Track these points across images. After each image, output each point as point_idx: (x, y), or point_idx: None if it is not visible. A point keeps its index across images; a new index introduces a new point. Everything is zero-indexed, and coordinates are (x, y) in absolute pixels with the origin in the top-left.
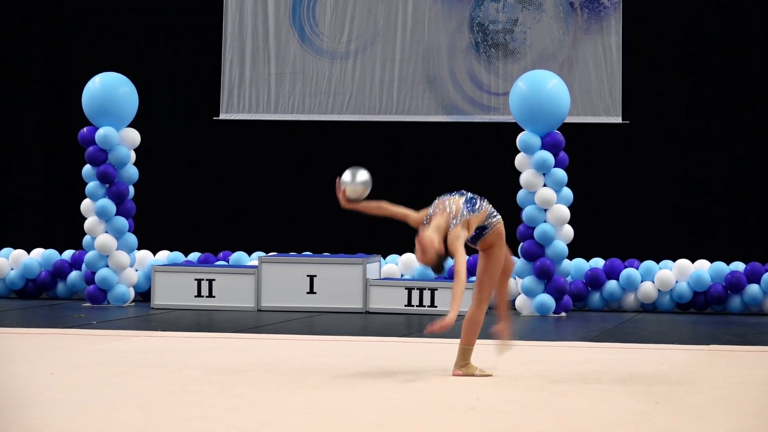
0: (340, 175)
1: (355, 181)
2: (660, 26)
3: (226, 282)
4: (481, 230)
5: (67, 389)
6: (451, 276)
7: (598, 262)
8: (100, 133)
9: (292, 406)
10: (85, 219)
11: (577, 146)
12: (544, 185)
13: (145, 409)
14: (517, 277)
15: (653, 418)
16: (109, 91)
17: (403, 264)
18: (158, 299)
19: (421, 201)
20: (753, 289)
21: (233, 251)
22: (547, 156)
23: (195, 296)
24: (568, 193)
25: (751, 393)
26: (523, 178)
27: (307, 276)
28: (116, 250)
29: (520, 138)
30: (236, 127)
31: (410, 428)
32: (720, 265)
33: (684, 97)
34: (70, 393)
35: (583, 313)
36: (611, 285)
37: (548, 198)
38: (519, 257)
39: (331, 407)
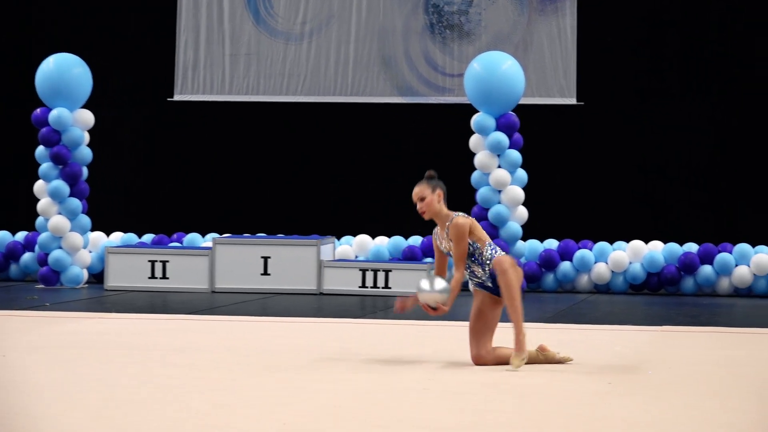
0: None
1: (434, 290)
2: (614, 7)
3: (180, 263)
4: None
5: (21, 371)
6: (406, 258)
7: (552, 244)
8: (54, 114)
9: (247, 388)
10: (38, 200)
11: (531, 127)
12: (499, 166)
13: (101, 392)
14: None
15: (607, 398)
16: (63, 72)
17: (357, 245)
18: (112, 281)
19: (374, 182)
20: (706, 270)
21: (187, 233)
22: (502, 137)
23: (149, 278)
24: (522, 174)
25: (704, 373)
26: (478, 160)
27: (262, 257)
28: (69, 231)
29: (475, 119)
30: (191, 108)
31: (366, 410)
32: (673, 246)
33: (638, 78)
34: (23, 375)
35: (537, 294)
36: (565, 266)
37: (502, 179)
38: None
39: (287, 389)
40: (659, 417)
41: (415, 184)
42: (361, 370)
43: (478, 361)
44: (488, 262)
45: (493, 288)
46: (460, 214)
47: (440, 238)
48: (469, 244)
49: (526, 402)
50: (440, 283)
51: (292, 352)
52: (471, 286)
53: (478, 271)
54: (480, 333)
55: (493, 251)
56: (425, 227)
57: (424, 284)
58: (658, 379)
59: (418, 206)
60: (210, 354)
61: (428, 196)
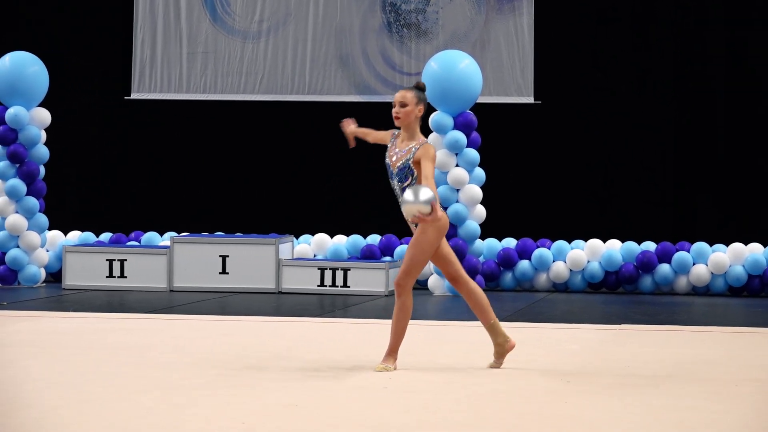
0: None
1: (418, 200)
2: (571, 7)
3: (138, 262)
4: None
5: None
6: (364, 257)
7: (510, 242)
8: (10, 112)
9: (202, 386)
10: None
11: (489, 126)
12: (457, 165)
13: (55, 390)
14: None
15: (564, 396)
16: (19, 71)
17: (315, 244)
18: (70, 280)
19: (332, 180)
20: (664, 268)
21: (145, 231)
22: (460, 136)
23: (107, 277)
24: (480, 173)
25: (662, 371)
26: (436, 159)
27: (220, 256)
28: (27, 230)
29: (433, 118)
30: (148, 106)
31: (323, 408)
32: (631, 244)
33: (595, 77)
34: None
35: (496, 292)
36: (523, 265)
37: (460, 178)
38: None
39: (243, 387)
40: (612, 415)
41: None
42: (319, 368)
43: (455, 286)
44: None
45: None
46: (429, 142)
47: (398, 150)
48: (411, 170)
49: (481, 400)
50: (426, 193)
51: (248, 350)
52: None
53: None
54: (442, 266)
55: None
56: (383, 226)
57: (409, 196)
58: (615, 378)
59: (395, 109)
60: (165, 353)
61: (410, 105)
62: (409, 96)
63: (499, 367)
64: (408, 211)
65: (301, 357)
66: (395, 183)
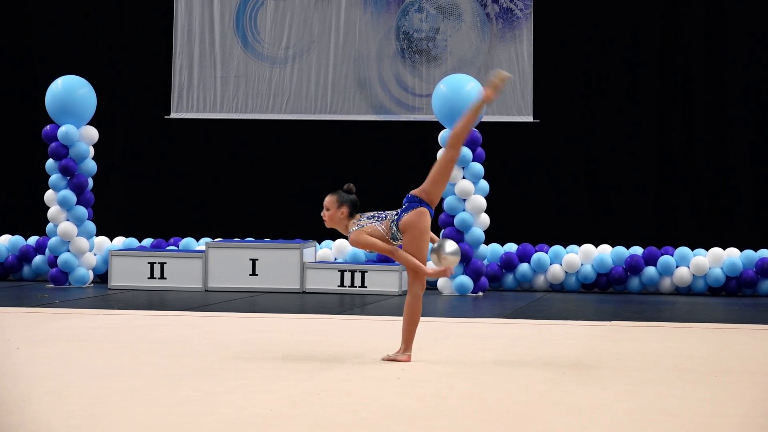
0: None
1: (448, 252)
2: (566, 35)
3: (176, 265)
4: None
5: (31, 362)
6: (379, 260)
7: (511, 247)
8: (62, 130)
9: (234, 376)
10: (48, 208)
11: (493, 142)
12: (463, 177)
13: (102, 380)
14: None
15: (561, 386)
16: (70, 92)
17: (336, 248)
18: (115, 281)
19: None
20: (650, 270)
21: (183, 237)
22: (466, 151)
23: (148, 278)
24: (484, 184)
25: (649, 363)
26: None
27: (250, 259)
28: (77, 236)
29: (442, 135)
30: (185, 125)
31: (344, 396)
32: (621, 249)
33: (587, 98)
34: (33, 366)
35: (498, 292)
36: (523, 267)
37: (467, 189)
38: None
39: (271, 377)
40: (604, 402)
41: (328, 195)
42: (339, 361)
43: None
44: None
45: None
46: (358, 226)
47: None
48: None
49: (486, 389)
50: (450, 246)
51: (275, 344)
52: None
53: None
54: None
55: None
56: None
57: (450, 247)
58: (607, 369)
59: (322, 212)
60: (200, 347)
61: (332, 209)
62: (332, 202)
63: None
64: (446, 258)
65: (323, 350)
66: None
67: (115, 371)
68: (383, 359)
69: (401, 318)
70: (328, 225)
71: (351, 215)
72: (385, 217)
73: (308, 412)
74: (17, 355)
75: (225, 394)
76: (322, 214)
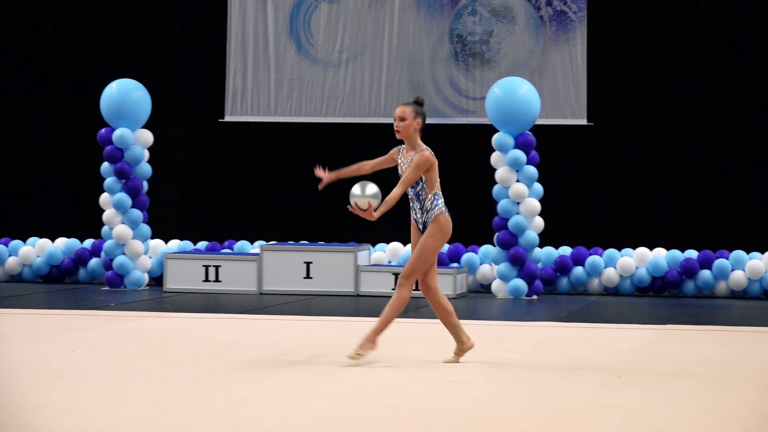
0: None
1: (364, 194)
2: (620, 38)
3: (231, 268)
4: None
5: (88, 364)
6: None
7: (566, 250)
8: (117, 133)
9: (289, 378)
10: (103, 211)
11: (546, 145)
12: (517, 181)
13: (160, 382)
14: (493, 263)
15: (616, 390)
16: (125, 96)
17: (390, 252)
18: (170, 283)
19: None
20: (705, 274)
21: (237, 240)
22: (520, 154)
23: (203, 281)
24: (538, 187)
25: (704, 367)
26: (498, 175)
27: (304, 263)
28: (132, 239)
29: (495, 138)
30: (239, 128)
31: (399, 398)
32: (675, 252)
33: (642, 99)
34: (90, 368)
35: (552, 296)
36: (578, 271)
37: (521, 192)
38: (495, 246)
39: (326, 380)
40: (660, 407)
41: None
42: (392, 363)
43: (425, 291)
44: (428, 211)
45: (422, 231)
46: (429, 150)
47: (403, 161)
48: (420, 178)
49: (541, 393)
50: (372, 188)
51: (330, 347)
52: (412, 215)
53: (416, 206)
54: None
55: (435, 203)
56: (451, 235)
57: (356, 189)
58: (662, 373)
59: (395, 124)
60: (255, 349)
61: (408, 119)
62: (408, 111)
63: (457, 362)
64: (354, 201)
65: (378, 353)
66: (409, 190)
67: (172, 374)
68: (349, 356)
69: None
70: (400, 136)
71: (421, 129)
72: None
73: (363, 415)
74: (74, 357)
75: (281, 396)
76: (395, 126)
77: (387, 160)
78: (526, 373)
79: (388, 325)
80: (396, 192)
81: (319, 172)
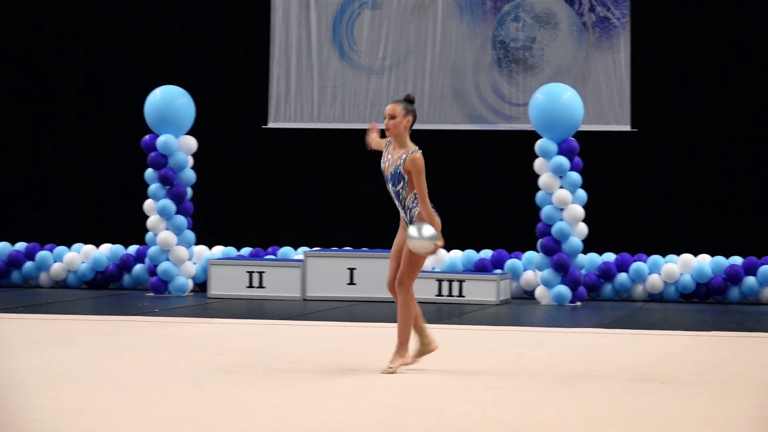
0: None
1: (422, 236)
2: (663, 43)
3: (274, 274)
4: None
5: (131, 369)
6: (477, 270)
7: (609, 257)
8: (161, 140)
9: (333, 385)
10: (148, 217)
11: (590, 151)
12: (561, 187)
13: (204, 388)
14: (536, 270)
15: (660, 397)
16: (169, 102)
17: (433, 258)
18: (214, 289)
19: (449, 200)
20: (750, 280)
21: (281, 246)
22: (563, 160)
23: (247, 287)
24: (582, 194)
25: (749, 374)
26: (542, 181)
27: (348, 269)
28: (176, 245)
29: (539, 144)
30: (283, 134)
31: (438, 406)
32: (720, 259)
33: (686, 106)
34: (133, 373)
35: (596, 302)
36: (622, 277)
37: (564, 198)
38: (539, 252)
39: (371, 386)
40: (705, 414)
41: (391, 103)
42: (435, 370)
43: (391, 289)
44: (410, 209)
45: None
46: (418, 150)
47: (389, 157)
48: (402, 175)
49: (585, 399)
50: (428, 230)
51: (375, 353)
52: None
53: (397, 204)
54: (396, 267)
55: (417, 202)
56: (495, 241)
57: (413, 231)
58: (707, 380)
59: (385, 122)
60: (298, 356)
61: (399, 117)
62: (398, 109)
63: (413, 363)
64: (414, 247)
65: (421, 359)
66: (389, 187)
67: (216, 379)
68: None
69: (499, 328)
70: (390, 134)
71: (411, 127)
72: None
73: (403, 422)
74: (118, 362)
75: (322, 402)
76: (385, 124)
77: (380, 144)
78: (569, 380)
79: (408, 335)
80: (425, 208)
81: (373, 129)
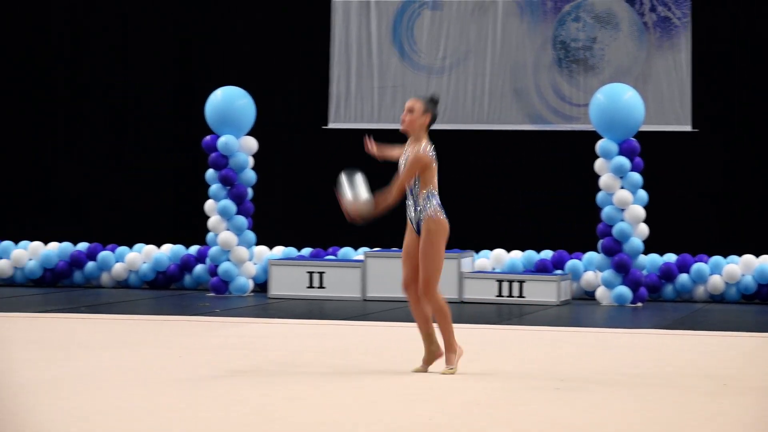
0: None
1: (357, 200)
2: (726, 44)
3: (335, 274)
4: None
5: (193, 370)
6: (538, 270)
7: (670, 257)
8: (222, 140)
9: (393, 385)
10: (208, 218)
11: (651, 152)
12: (622, 187)
13: (263, 387)
14: (597, 270)
15: (722, 398)
16: (229, 103)
17: (494, 258)
18: (274, 290)
19: (509, 200)
20: None
21: (341, 246)
22: (624, 161)
23: (307, 287)
24: (643, 194)
25: None
26: (602, 181)
27: None
28: (237, 245)
29: (599, 144)
30: (343, 135)
31: (503, 407)
32: None
33: (748, 106)
34: (195, 373)
35: (657, 303)
36: (683, 278)
37: (625, 199)
38: (599, 253)
39: (431, 386)
40: (766, 416)
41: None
42: (492, 371)
43: (406, 290)
44: (422, 210)
45: (417, 230)
46: (431, 150)
47: (402, 154)
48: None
49: (646, 399)
50: (363, 195)
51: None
52: (407, 214)
53: (410, 202)
54: (409, 269)
55: (429, 202)
56: (555, 242)
57: (348, 193)
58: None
59: (403, 115)
60: (359, 356)
61: (417, 113)
62: (419, 105)
63: (426, 371)
64: (344, 204)
65: (481, 360)
66: (409, 199)
67: (277, 380)
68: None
69: (561, 329)
70: (404, 128)
71: (429, 127)
72: None
73: (467, 422)
74: (180, 362)
75: (385, 402)
76: (402, 116)
77: (384, 150)
78: (631, 381)
79: (451, 334)
80: (390, 199)
81: (370, 144)
